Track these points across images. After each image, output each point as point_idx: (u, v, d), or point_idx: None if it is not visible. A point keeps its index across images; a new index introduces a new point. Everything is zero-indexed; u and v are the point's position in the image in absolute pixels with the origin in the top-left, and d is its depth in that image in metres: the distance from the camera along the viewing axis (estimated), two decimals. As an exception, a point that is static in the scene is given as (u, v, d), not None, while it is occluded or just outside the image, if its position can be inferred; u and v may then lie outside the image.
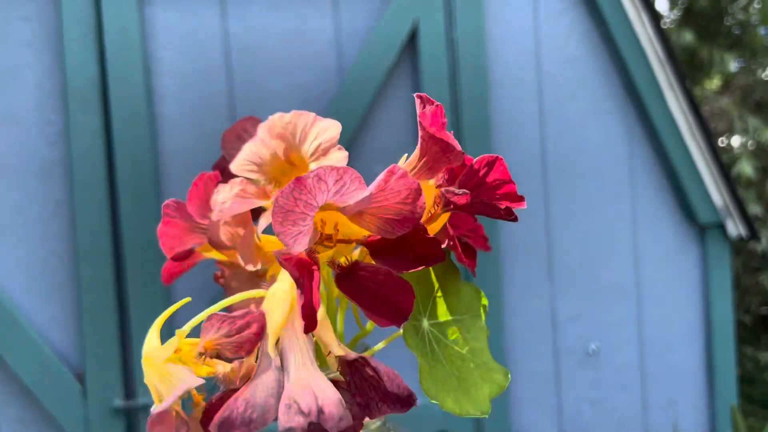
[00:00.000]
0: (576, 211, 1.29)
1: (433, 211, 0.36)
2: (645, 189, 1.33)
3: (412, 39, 1.19)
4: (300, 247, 0.30)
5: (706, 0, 2.29)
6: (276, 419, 0.29)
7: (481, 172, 0.36)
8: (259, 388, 0.30)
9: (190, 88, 1.12)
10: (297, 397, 0.29)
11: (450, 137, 0.34)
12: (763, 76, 2.75)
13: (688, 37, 2.36)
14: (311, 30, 1.16)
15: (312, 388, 0.29)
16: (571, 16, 1.28)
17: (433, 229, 0.37)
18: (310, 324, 0.30)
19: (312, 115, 0.40)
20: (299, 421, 0.28)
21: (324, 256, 0.33)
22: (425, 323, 0.38)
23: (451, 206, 0.35)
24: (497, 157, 0.36)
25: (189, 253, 0.43)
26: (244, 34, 1.14)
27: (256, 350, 0.33)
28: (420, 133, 0.34)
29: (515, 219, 0.35)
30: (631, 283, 1.34)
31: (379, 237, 0.32)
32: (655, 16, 1.28)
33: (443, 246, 0.37)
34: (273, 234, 0.31)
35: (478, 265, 0.41)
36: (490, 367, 0.38)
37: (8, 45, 1.06)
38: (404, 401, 0.30)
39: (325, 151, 0.38)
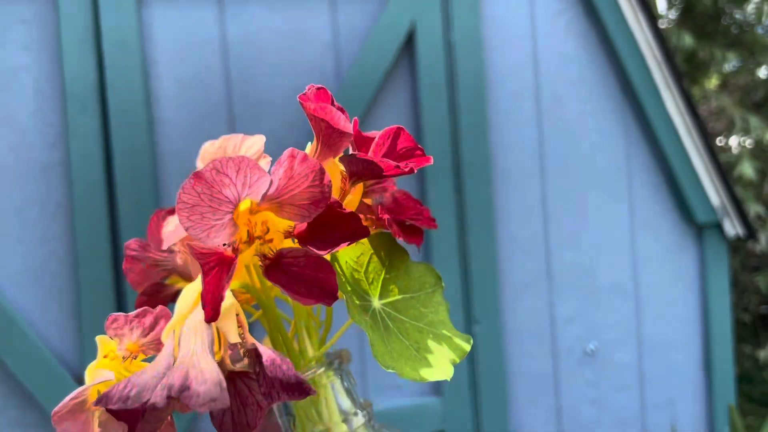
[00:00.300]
0: (574, 212, 1.30)
1: (342, 186, 0.37)
2: (643, 189, 1.34)
3: (410, 41, 1.19)
4: (216, 241, 0.31)
5: (705, 0, 2.30)
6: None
7: (387, 144, 0.37)
8: (148, 371, 0.31)
9: (188, 90, 1.12)
10: (169, 376, 0.30)
11: (331, 112, 0.35)
12: (760, 74, 2.75)
13: (687, 40, 2.36)
14: (309, 32, 1.17)
15: (188, 368, 0.30)
16: (568, 17, 1.29)
17: (348, 205, 0.38)
18: (210, 313, 0.30)
19: (240, 135, 0.42)
20: (162, 395, 0.29)
21: (249, 251, 0.34)
22: (376, 302, 0.39)
23: (355, 176, 0.36)
24: (400, 127, 0.37)
25: (159, 287, 0.44)
26: (242, 37, 1.14)
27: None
28: (307, 114, 0.36)
29: (411, 171, 0.36)
30: (629, 283, 1.34)
31: (304, 225, 0.34)
32: (652, 17, 1.28)
33: (379, 227, 0.39)
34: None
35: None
36: (451, 335, 0.39)
37: (6, 48, 1.06)
38: (298, 388, 0.31)
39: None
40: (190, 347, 0.32)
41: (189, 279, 0.42)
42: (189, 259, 0.41)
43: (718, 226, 1.36)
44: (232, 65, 1.14)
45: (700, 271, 1.37)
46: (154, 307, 0.40)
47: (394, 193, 0.43)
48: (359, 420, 0.41)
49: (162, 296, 0.45)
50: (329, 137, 0.36)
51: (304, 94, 0.36)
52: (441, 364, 0.37)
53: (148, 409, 0.32)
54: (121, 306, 1.09)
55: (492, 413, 1.22)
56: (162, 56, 1.11)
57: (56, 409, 0.34)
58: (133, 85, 1.07)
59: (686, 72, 2.64)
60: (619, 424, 1.34)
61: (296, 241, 0.34)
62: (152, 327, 0.34)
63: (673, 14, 2.79)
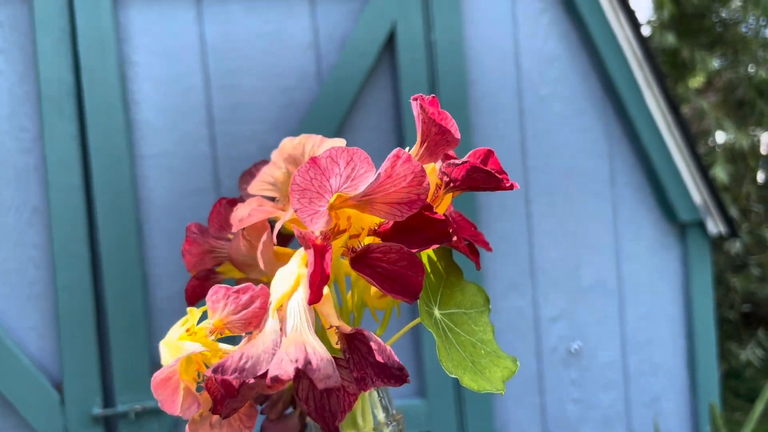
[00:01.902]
0: (557, 211, 1.30)
1: (436, 192, 0.38)
2: (625, 188, 1.34)
3: (390, 41, 1.18)
4: (317, 226, 0.32)
5: (689, 2, 2.31)
6: (266, 371, 0.30)
7: (478, 162, 0.39)
8: (257, 344, 0.31)
9: (166, 92, 1.11)
10: (288, 350, 0.30)
11: (449, 120, 0.37)
12: (743, 72, 2.77)
13: (670, 39, 2.37)
14: (289, 33, 1.16)
15: (304, 344, 0.31)
16: (549, 17, 1.29)
17: (438, 211, 0.39)
18: (315, 295, 0.31)
19: (319, 137, 0.43)
20: (286, 369, 0.29)
21: (337, 243, 0.35)
22: (436, 312, 0.40)
23: (451, 184, 0.37)
24: (490, 150, 0.39)
25: (210, 273, 0.45)
26: (221, 38, 1.13)
27: (262, 324, 0.34)
28: (421, 117, 0.36)
29: (512, 186, 0.38)
30: (613, 282, 1.34)
31: (389, 225, 0.35)
32: (632, 16, 1.28)
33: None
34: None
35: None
36: (499, 355, 0.40)
37: (-19, 51, 1.04)
38: (397, 376, 0.32)
39: None
40: (297, 326, 0.32)
41: (243, 268, 0.43)
42: (250, 247, 0.42)
43: (701, 225, 1.36)
44: (211, 66, 1.13)
45: (684, 269, 1.37)
46: (204, 292, 0.41)
47: (451, 213, 0.43)
48: (388, 424, 0.41)
49: (211, 282, 0.45)
50: (436, 143, 0.37)
51: (424, 99, 0.36)
52: (493, 378, 0.38)
53: (245, 385, 0.32)
54: (99, 312, 1.08)
55: (477, 413, 1.22)
56: (140, 57, 1.10)
57: (155, 374, 0.35)
58: (110, 87, 1.06)
59: (669, 71, 2.65)
60: (604, 422, 1.34)
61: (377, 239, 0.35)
62: (246, 306, 0.34)
63: (664, 15, 2.80)
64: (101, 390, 1.06)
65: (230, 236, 0.44)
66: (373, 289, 0.41)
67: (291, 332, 0.32)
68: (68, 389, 1.05)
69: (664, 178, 1.32)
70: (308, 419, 0.44)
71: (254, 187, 0.44)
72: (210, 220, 0.44)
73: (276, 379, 0.29)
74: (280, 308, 0.34)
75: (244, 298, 0.34)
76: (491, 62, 1.26)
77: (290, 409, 0.44)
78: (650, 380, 1.37)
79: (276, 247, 0.41)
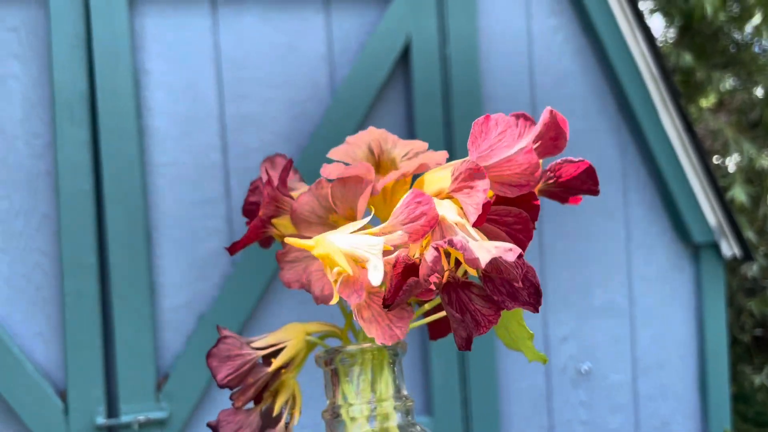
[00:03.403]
0: (569, 230, 1.28)
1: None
2: (638, 207, 1.32)
3: (405, 54, 1.18)
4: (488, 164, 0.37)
5: (702, 19, 2.30)
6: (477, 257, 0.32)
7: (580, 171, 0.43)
8: (462, 238, 0.33)
9: (179, 100, 1.11)
10: (487, 247, 0.33)
11: (567, 127, 0.41)
12: (757, 94, 2.75)
13: (687, 58, 2.36)
14: (303, 44, 1.15)
15: (492, 247, 0.33)
16: (564, 33, 1.28)
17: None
18: (480, 219, 0.35)
19: (395, 136, 0.45)
20: (512, 255, 0.32)
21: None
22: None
23: (553, 180, 0.41)
24: (591, 165, 0.43)
25: (264, 222, 0.45)
26: (235, 48, 1.13)
27: (422, 241, 0.35)
28: (545, 120, 0.39)
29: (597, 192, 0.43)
30: (624, 302, 1.32)
31: (494, 198, 0.38)
32: (649, 34, 1.28)
33: None
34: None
35: None
36: (530, 346, 0.45)
37: (-4, 56, 1.05)
38: (537, 297, 0.34)
39: (417, 154, 0.43)
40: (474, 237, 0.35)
41: (300, 224, 0.42)
42: (317, 205, 0.42)
43: (715, 246, 1.34)
44: (224, 75, 1.12)
45: (696, 291, 1.35)
46: (260, 236, 0.43)
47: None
48: (394, 409, 0.41)
49: (268, 229, 0.46)
50: (546, 147, 0.40)
51: (551, 109, 0.40)
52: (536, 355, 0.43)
53: (416, 283, 0.33)
54: (106, 320, 1.07)
55: (483, 431, 1.20)
56: (154, 66, 1.10)
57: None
58: (123, 95, 1.06)
59: (683, 91, 2.64)
60: (613, 446, 1.32)
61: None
62: (414, 219, 0.35)
63: (671, 33, 2.80)
64: (105, 399, 1.05)
65: (293, 194, 0.44)
66: None
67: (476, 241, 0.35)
68: (72, 398, 1.04)
69: (679, 198, 1.30)
70: (285, 412, 0.43)
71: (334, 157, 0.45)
72: (281, 176, 0.44)
73: (475, 263, 0.31)
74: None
75: (415, 213, 0.34)
76: (505, 77, 1.25)
77: (251, 404, 0.43)
78: (660, 404, 1.35)
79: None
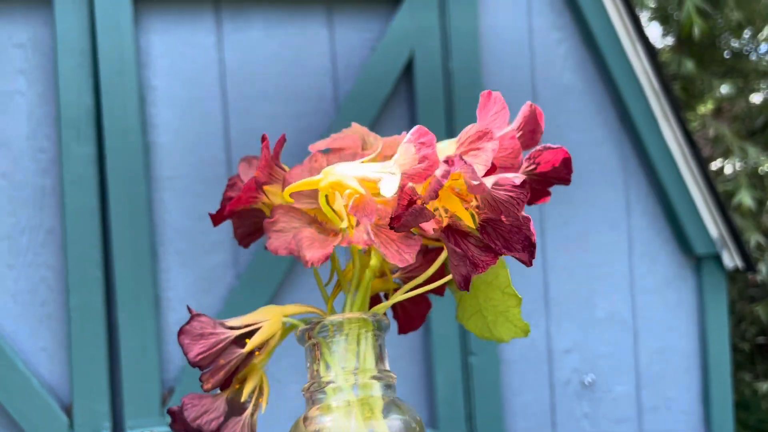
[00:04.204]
0: (571, 242, 1.29)
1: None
2: (640, 219, 1.33)
3: (408, 70, 1.19)
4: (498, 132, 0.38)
5: (699, 27, 2.31)
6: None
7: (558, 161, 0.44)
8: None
9: (185, 116, 1.11)
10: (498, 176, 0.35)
11: (543, 121, 0.42)
12: (754, 100, 2.77)
13: (689, 65, 2.37)
14: (307, 59, 1.16)
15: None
16: (566, 47, 1.29)
17: None
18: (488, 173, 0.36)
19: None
20: (521, 178, 0.34)
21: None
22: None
23: (533, 167, 0.42)
24: (568, 153, 0.43)
25: (261, 187, 0.45)
26: (239, 63, 1.13)
27: (424, 183, 0.36)
28: (525, 113, 0.41)
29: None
30: (627, 314, 1.33)
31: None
32: (650, 47, 1.29)
33: None
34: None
35: None
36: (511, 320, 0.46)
37: (1, 72, 1.05)
38: (532, 248, 0.36)
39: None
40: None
41: (294, 196, 0.43)
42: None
43: (717, 258, 1.35)
44: (229, 91, 1.13)
45: (699, 302, 1.36)
46: (252, 201, 0.45)
47: None
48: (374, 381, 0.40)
49: (254, 197, 0.46)
50: (525, 140, 0.42)
51: (532, 103, 0.43)
52: (511, 332, 0.44)
53: (424, 210, 0.34)
54: (111, 334, 1.07)
55: (488, 446, 1.20)
56: (159, 82, 1.10)
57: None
58: (129, 111, 1.06)
59: (683, 99, 2.65)
60: (617, 457, 1.32)
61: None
62: (416, 161, 0.36)
63: (669, 41, 2.81)
64: (110, 414, 1.05)
65: (285, 167, 0.45)
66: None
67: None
68: (77, 413, 1.04)
69: (680, 210, 1.31)
70: (252, 400, 0.43)
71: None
72: (275, 148, 0.45)
73: (478, 189, 0.33)
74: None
75: (420, 154, 0.35)
76: (508, 91, 1.26)
77: (217, 390, 0.42)
78: (664, 415, 1.35)
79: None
